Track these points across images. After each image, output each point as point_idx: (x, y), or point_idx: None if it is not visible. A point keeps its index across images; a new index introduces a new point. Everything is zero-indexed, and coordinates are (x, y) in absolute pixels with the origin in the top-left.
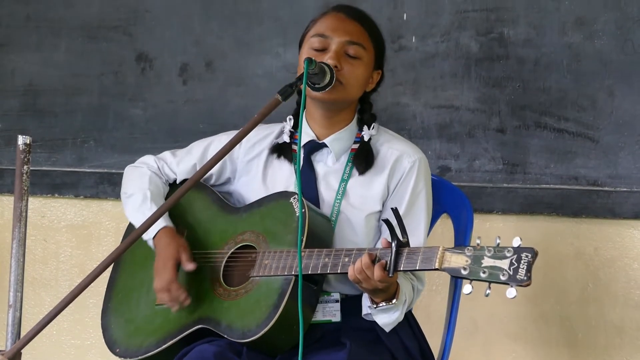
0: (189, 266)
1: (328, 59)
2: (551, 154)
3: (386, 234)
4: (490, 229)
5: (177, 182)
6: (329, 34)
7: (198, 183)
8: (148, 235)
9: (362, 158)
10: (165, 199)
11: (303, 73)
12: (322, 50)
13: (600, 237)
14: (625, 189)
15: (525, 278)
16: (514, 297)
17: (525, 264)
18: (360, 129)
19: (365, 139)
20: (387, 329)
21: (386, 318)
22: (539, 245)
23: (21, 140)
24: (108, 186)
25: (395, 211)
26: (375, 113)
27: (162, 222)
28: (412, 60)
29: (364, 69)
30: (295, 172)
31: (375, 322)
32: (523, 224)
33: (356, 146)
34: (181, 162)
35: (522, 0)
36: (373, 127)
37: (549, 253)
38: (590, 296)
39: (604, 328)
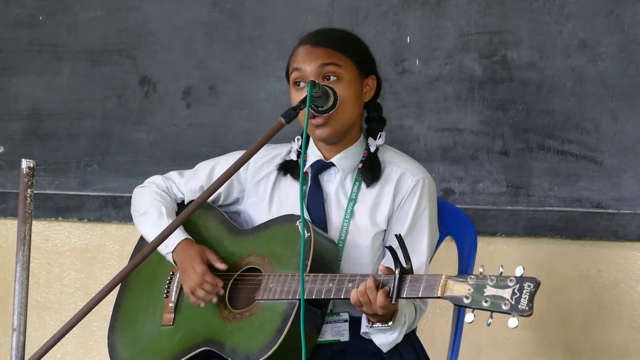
0: (221, 265)
1: None
2: (555, 177)
3: (388, 257)
4: (494, 251)
5: (185, 202)
6: (302, 66)
7: (206, 204)
8: (167, 249)
9: (368, 170)
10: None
11: (306, 96)
12: (302, 82)
13: (604, 259)
14: (628, 211)
15: (527, 308)
16: (516, 326)
17: (528, 293)
18: (368, 142)
19: (372, 149)
20: (384, 349)
21: (383, 338)
22: (543, 267)
23: (25, 164)
24: (112, 209)
25: (399, 238)
26: (385, 117)
27: (182, 235)
28: (415, 83)
29: (348, 86)
30: (301, 196)
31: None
32: (527, 246)
33: (362, 163)
34: (188, 183)
35: (525, 23)
36: (380, 137)
37: (553, 276)
38: (594, 319)
39: (609, 351)
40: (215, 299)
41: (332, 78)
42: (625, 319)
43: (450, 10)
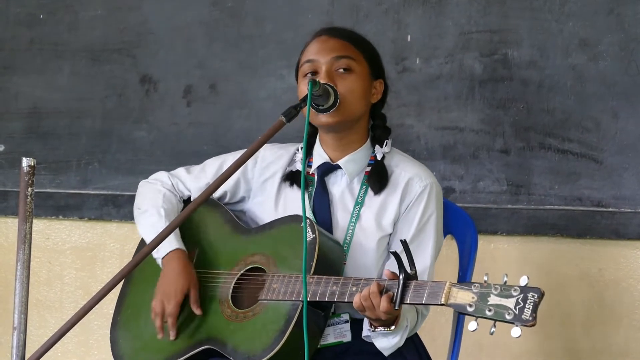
0: (197, 310)
1: (320, 80)
2: (555, 175)
3: (393, 260)
4: (494, 250)
5: (192, 199)
6: (316, 57)
7: (212, 201)
8: (158, 254)
9: (376, 177)
10: None
11: (307, 95)
12: (314, 74)
13: (604, 258)
14: (629, 210)
15: (530, 318)
16: (519, 336)
17: (531, 304)
18: (374, 149)
19: (378, 157)
20: (386, 353)
21: (385, 342)
22: (543, 266)
23: (25, 162)
24: (112, 208)
25: (404, 243)
26: (390, 126)
27: (175, 244)
28: (416, 81)
29: (359, 80)
30: (307, 198)
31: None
32: (527, 245)
33: (370, 168)
34: (195, 180)
35: (525, 21)
36: (386, 144)
37: (553, 274)
38: (594, 318)
39: (609, 350)
40: (160, 337)
41: (345, 70)
42: (626, 318)
43: (451, 9)
